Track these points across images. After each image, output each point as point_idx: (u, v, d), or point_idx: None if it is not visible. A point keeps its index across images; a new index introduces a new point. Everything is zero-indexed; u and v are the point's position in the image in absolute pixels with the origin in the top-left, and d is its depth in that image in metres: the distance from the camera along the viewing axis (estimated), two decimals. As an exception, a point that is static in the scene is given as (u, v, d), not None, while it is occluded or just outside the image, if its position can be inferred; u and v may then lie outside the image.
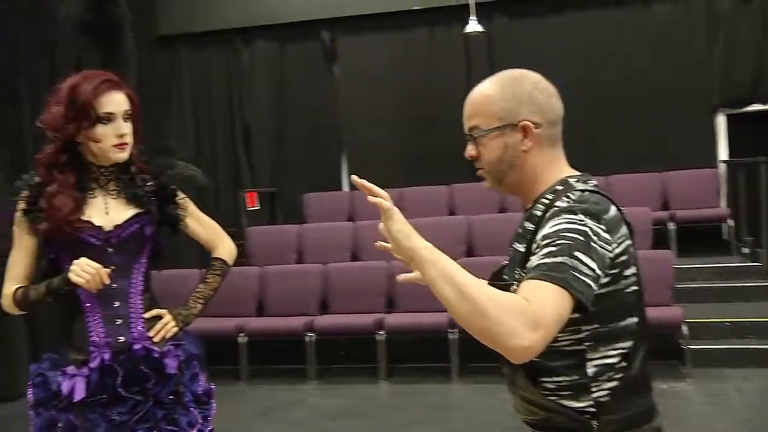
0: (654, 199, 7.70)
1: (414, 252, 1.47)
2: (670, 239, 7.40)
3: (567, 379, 1.57)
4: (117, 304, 2.36)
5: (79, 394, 2.26)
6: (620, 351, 1.57)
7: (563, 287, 1.41)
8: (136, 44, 8.77)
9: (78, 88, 2.28)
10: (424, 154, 8.68)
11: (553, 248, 1.46)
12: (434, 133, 8.74)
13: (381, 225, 1.52)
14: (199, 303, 2.58)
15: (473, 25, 7.96)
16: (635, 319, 1.59)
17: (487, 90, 1.68)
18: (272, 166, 9.16)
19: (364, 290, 6.83)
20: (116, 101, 2.30)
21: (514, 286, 1.55)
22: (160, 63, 9.11)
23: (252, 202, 8.43)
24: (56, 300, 2.35)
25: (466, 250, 7.35)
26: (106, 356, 2.30)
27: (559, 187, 1.63)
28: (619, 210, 1.61)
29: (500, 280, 1.66)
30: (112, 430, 2.28)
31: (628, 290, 1.57)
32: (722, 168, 8.22)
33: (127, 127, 2.32)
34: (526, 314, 1.35)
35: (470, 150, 1.70)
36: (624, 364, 1.57)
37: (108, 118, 2.28)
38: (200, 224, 2.62)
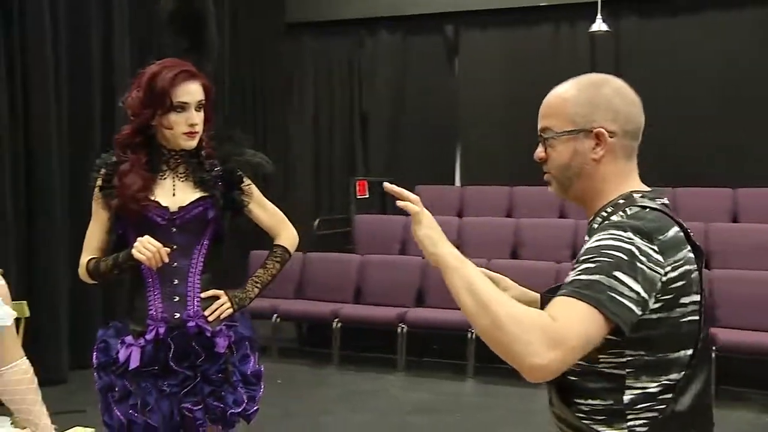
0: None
1: (439, 258, 1.48)
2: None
3: (602, 403, 1.50)
4: (176, 281, 2.47)
5: (134, 362, 2.41)
6: (664, 383, 1.48)
7: (595, 307, 1.35)
8: (263, 31, 9.22)
9: (157, 76, 2.40)
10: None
11: (591, 265, 1.40)
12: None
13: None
14: (257, 288, 2.65)
15: (599, 24, 7.72)
16: (689, 352, 1.48)
17: (564, 92, 1.62)
18: (387, 156, 9.28)
19: (460, 286, 6.80)
20: (191, 91, 2.41)
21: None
22: (284, 49, 9.43)
23: (362, 191, 8.57)
24: (121, 273, 2.51)
25: (572, 255, 7.17)
26: (162, 330, 2.43)
27: (621, 201, 1.55)
28: (685, 232, 1.51)
29: (548, 295, 1.59)
30: (162, 399, 2.42)
31: (684, 319, 1.47)
32: None
33: (198, 117, 2.43)
34: (547, 332, 1.32)
35: (539, 152, 1.65)
36: (669, 395, 1.47)
37: (182, 107, 2.40)
38: (265, 211, 2.69)
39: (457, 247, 6.49)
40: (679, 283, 1.44)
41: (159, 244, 2.36)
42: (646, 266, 1.40)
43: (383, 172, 9.21)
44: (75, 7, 6.28)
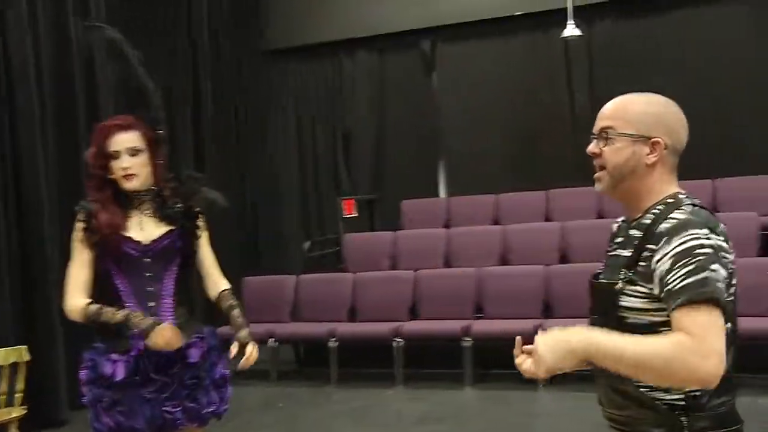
0: (764, 204, 7.31)
1: (575, 354, 1.63)
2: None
3: None
4: (152, 304, 2.81)
5: (120, 375, 2.71)
6: None
7: (713, 301, 1.56)
8: (243, 56, 9.29)
9: (97, 133, 2.85)
10: (522, 161, 8.65)
11: (691, 267, 1.59)
12: (532, 140, 8.70)
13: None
14: (246, 320, 2.94)
15: (571, 29, 7.88)
16: (729, 325, 1.66)
17: (634, 100, 1.81)
18: (371, 173, 9.39)
19: (453, 296, 6.89)
20: (120, 141, 2.79)
21: (620, 284, 1.70)
22: (264, 75, 9.55)
23: (349, 210, 8.66)
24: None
25: (560, 257, 7.28)
26: (141, 346, 2.71)
27: (670, 201, 1.74)
28: None
29: (601, 282, 1.80)
30: (145, 405, 2.74)
31: (729, 299, 1.66)
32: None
33: (130, 162, 2.78)
34: (692, 350, 1.52)
35: (593, 147, 1.81)
36: None
37: (114, 155, 2.78)
38: (209, 252, 2.99)
39: (446, 258, 6.56)
40: (732, 269, 1.67)
41: (172, 335, 2.66)
42: (722, 256, 1.63)
43: (369, 189, 9.32)
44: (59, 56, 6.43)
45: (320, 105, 9.62)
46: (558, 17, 8.06)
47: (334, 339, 6.75)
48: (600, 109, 1.85)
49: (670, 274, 1.60)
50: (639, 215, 1.78)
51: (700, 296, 1.56)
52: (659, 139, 1.76)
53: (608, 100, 1.85)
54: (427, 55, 9.24)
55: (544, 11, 8.51)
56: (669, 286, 1.60)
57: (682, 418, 1.65)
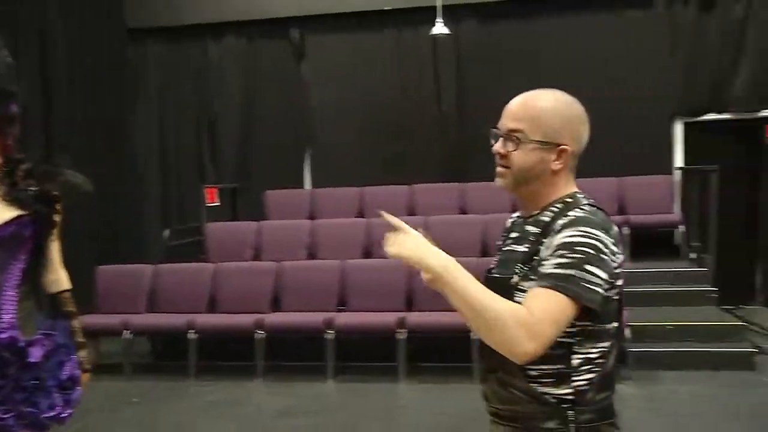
0: (610, 204, 7.76)
1: (431, 267, 1.63)
2: (624, 244, 7.45)
3: (552, 367, 1.71)
4: None
5: None
6: (600, 349, 1.74)
7: (572, 298, 1.61)
8: (104, 36, 8.71)
9: None
10: (388, 155, 8.73)
11: (566, 260, 1.64)
12: (399, 134, 8.80)
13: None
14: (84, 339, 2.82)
15: (440, 27, 8.02)
16: (615, 324, 1.77)
17: (542, 102, 1.79)
18: (236, 162, 9.19)
19: (316, 289, 6.87)
20: None
21: (515, 279, 1.72)
22: (128, 55, 9.12)
23: (212, 198, 8.44)
24: None
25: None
26: None
27: (569, 200, 1.79)
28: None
29: (496, 277, 1.81)
30: None
31: (615, 298, 1.74)
32: (677, 175, 8.32)
33: None
34: (527, 327, 1.58)
35: (500, 146, 1.81)
36: (602, 360, 1.74)
37: None
38: (54, 244, 2.76)
39: (310, 250, 6.50)
40: (618, 270, 1.73)
41: None
42: (608, 256, 1.68)
43: (233, 178, 9.12)
44: None
45: (185, 90, 9.30)
46: (427, 15, 8.19)
47: (193, 331, 6.55)
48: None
49: (547, 260, 1.66)
50: (536, 212, 1.81)
51: (558, 288, 1.61)
52: (567, 147, 1.78)
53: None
54: (297, 44, 9.15)
55: (413, 8, 8.63)
56: (540, 267, 1.67)
57: (569, 412, 1.71)
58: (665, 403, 5.45)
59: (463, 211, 8.16)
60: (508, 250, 1.84)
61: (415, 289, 6.72)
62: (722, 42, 8.16)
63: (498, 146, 1.81)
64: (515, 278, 1.72)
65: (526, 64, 8.31)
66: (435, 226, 7.52)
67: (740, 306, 8.01)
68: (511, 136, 1.78)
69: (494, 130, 1.82)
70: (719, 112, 8.33)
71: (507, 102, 1.83)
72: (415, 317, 6.39)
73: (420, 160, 8.63)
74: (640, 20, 8.34)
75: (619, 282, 1.73)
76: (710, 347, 6.28)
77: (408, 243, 1.68)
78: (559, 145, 1.77)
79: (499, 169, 1.82)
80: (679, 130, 8.46)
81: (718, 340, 6.36)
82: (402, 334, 6.24)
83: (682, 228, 7.78)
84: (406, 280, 6.78)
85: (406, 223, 1.76)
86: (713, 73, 8.21)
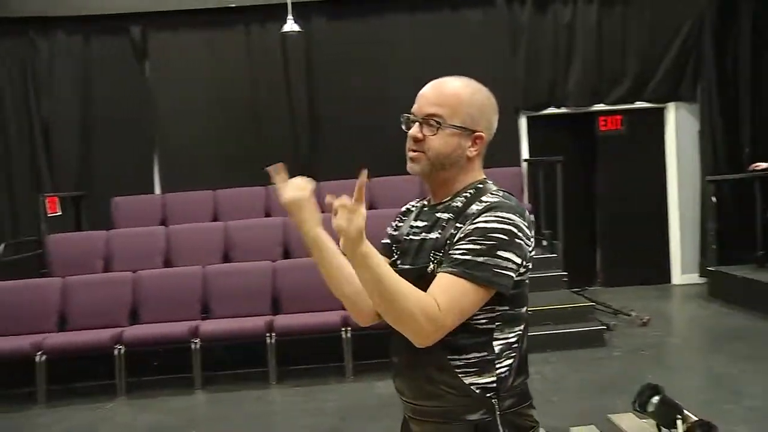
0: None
1: (350, 237, 1.58)
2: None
3: (476, 355, 1.71)
4: None
5: None
6: (517, 333, 1.77)
7: (480, 284, 1.63)
8: None
9: None
10: (240, 155, 8.50)
11: (478, 246, 1.64)
12: (251, 133, 8.60)
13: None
14: None
15: (290, 25, 7.90)
16: (527, 307, 1.80)
17: (459, 89, 1.79)
18: (77, 168, 8.59)
19: (177, 297, 6.57)
20: None
21: (431, 267, 1.70)
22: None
23: (53, 208, 7.85)
24: None
25: (283, 252, 7.27)
26: None
27: (480, 186, 1.79)
28: None
29: (410, 268, 1.77)
30: None
31: (527, 282, 1.78)
32: (525, 166, 8.73)
33: None
34: (432, 319, 1.59)
35: (416, 131, 1.78)
36: (518, 345, 1.77)
37: None
38: None
39: (166, 257, 6.25)
40: (532, 253, 1.75)
41: None
42: (523, 241, 1.70)
43: (75, 186, 8.53)
44: None
45: (11, 88, 8.57)
46: (276, 11, 8.07)
47: (41, 352, 6.05)
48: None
49: (459, 243, 1.66)
50: (447, 199, 1.81)
51: (468, 276, 1.62)
52: (482, 134, 1.80)
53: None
54: (138, 42, 8.70)
55: (262, 5, 8.47)
56: (451, 252, 1.67)
57: (493, 400, 1.72)
58: (532, 384, 5.66)
59: (322, 210, 8.07)
60: (418, 239, 1.81)
61: (281, 291, 6.59)
62: (556, 42, 8.66)
63: (415, 130, 1.78)
64: (431, 266, 1.71)
65: (374, 61, 8.41)
66: (294, 227, 7.38)
67: (586, 288, 8.55)
68: (428, 120, 1.76)
69: (407, 115, 1.81)
70: (558, 107, 8.84)
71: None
72: (282, 320, 6.26)
73: (272, 160, 8.40)
74: (483, 20, 8.66)
75: (530, 266, 1.76)
76: (566, 328, 6.63)
77: (300, 192, 1.79)
78: (475, 132, 1.78)
79: (412, 154, 1.80)
80: (523, 124, 8.87)
81: (573, 320, 6.74)
82: (272, 338, 6.10)
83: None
84: (271, 283, 6.63)
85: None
86: (550, 72, 8.70)
